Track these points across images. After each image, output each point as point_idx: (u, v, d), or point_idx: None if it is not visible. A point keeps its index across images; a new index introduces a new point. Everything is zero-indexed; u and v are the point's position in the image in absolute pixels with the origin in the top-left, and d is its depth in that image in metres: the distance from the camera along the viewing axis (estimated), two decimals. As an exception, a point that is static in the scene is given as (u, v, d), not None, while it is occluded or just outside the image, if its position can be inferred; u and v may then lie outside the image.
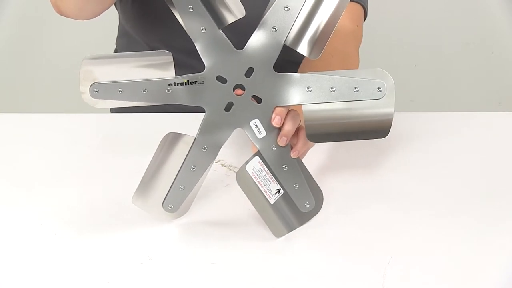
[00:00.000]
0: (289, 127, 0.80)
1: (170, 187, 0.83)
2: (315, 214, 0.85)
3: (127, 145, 1.09)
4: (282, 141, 0.80)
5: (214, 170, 0.97)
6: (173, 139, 0.82)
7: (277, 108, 0.79)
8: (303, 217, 0.85)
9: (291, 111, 0.81)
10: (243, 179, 0.83)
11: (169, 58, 0.78)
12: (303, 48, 0.77)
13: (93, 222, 0.88)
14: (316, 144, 0.87)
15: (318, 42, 0.77)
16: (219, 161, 1.01)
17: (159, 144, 0.82)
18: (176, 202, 0.84)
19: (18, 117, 1.22)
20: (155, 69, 0.78)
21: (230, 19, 0.76)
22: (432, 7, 2.05)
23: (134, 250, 0.82)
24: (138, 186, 0.83)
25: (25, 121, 1.20)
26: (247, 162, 0.82)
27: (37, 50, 2.11)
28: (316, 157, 0.91)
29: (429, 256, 0.80)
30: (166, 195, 0.83)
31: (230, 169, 1.00)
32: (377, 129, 0.80)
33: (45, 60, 2.12)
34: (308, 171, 0.83)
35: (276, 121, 0.79)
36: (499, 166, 1.01)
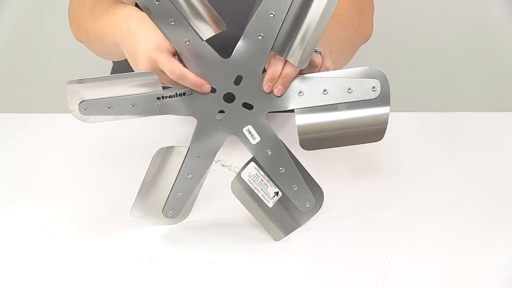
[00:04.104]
0: (271, 71, 0.77)
1: (169, 195, 0.83)
2: (316, 212, 0.85)
3: (128, 144, 1.09)
4: (267, 86, 0.77)
5: (214, 170, 0.97)
6: (165, 153, 0.82)
7: (265, 77, 0.78)
8: (303, 217, 0.85)
9: (272, 59, 0.77)
10: (238, 189, 0.82)
11: (155, 77, 0.77)
12: (291, 55, 0.75)
13: (93, 222, 0.88)
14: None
15: (307, 48, 0.75)
16: (219, 161, 1.01)
17: (152, 159, 0.82)
18: (175, 208, 0.84)
19: (18, 117, 1.22)
20: (141, 88, 0.78)
21: (210, 33, 0.76)
22: (432, 7, 2.05)
23: (134, 250, 0.82)
24: (135, 200, 0.84)
25: (25, 121, 1.20)
26: (242, 169, 0.82)
27: (37, 50, 2.11)
28: (315, 159, 0.91)
29: (429, 256, 0.80)
30: (165, 203, 0.84)
31: (230, 169, 1.00)
32: (373, 132, 0.79)
33: (45, 60, 2.12)
34: (306, 171, 0.83)
35: (267, 87, 0.77)
36: (499, 166, 1.01)
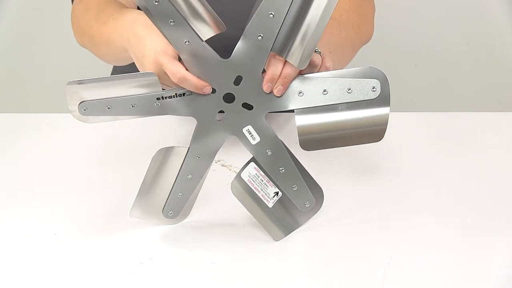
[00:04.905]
0: (271, 71, 0.77)
1: (169, 195, 0.83)
2: (316, 212, 0.85)
3: (128, 144, 1.09)
4: (266, 87, 0.77)
5: (214, 170, 0.97)
6: (165, 153, 0.82)
7: (265, 77, 0.77)
8: (303, 217, 0.85)
9: (272, 60, 0.77)
10: (238, 189, 0.82)
11: (154, 78, 0.77)
12: (291, 56, 0.75)
13: (93, 222, 0.88)
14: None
15: (307, 48, 0.75)
16: (219, 161, 1.01)
17: (152, 159, 0.82)
18: (175, 208, 0.84)
19: (18, 117, 1.22)
20: (141, 89, 0.78)
21: (209, 33, 0.75)
22: (432, 6, 2.05)
23: (134, 250, 0.82)
24: (135, 200, 0.84)
25: (25, 121, 1.20)
26: (242, 170, 0.82)
27: (37, 50, 2.11)
28: (315, 159, 0.91)
29: (429, 256, 0.80)
30: (165, 203, 0.84)
31: (230, 169, 1.00)
32: (373, 133, 0.79)
33: (45, 60, 2.12)
34: (306, 171, 0.83)
35: (267, 87, 0.77)
36: (499, 166, 1.01)
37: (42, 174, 1.01)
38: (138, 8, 1.04)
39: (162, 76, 0.79)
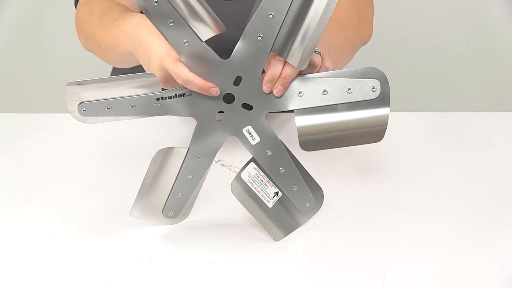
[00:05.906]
0: (271, 71, 0.77)
1: (168, 196, 0.83)
2: (316, 212, 0.85)
3: (128, 145, 1.09)
4: (266, 87, 0.77)
5: (214, 170, 0.97)
6: (165, 153, 0.82)
7: (265, 78, 0.77)
8: (303, 217, 0.85)
9: (271, 60, 0.78)
10: (238, 189, 0.82)
11: (154, 79, 0.77)
12: (290, 56, 0.75)
13: (93, 222, 0.88)
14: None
15: (306, 49, 0.75)
16: (219, 161, 1.01)
17: (152, 159, 0.82)
18: (175, 208, 0.84)
19: (17, 117, 1.22)
20: (141, 89, 0.78)
21: (209, 34, 0.75)
22: (433, 7, 2.05)
23: (134, 250, 0.82)
24: (135, 200, 0.84)
25: (25, 121, 1.20)
26: (242, 170, 0.82)
27: (37, 50, 2.11)
28: (315, 159, 0.91)
29: (429, 256, 0.80)
30: (165, 203, 0.84)
31: (230, 169, 1.00)
32: (373, 133, 0.79)
33: (45, 60, 2.12)
34: (306, 171, 0.83)
35: (266, 88, 0.77)
36: (499, 166, 1.01)
37: (42, 174, 1.01)
38: (141, 11, 1.04)
39: (170, 80, 0.79)
